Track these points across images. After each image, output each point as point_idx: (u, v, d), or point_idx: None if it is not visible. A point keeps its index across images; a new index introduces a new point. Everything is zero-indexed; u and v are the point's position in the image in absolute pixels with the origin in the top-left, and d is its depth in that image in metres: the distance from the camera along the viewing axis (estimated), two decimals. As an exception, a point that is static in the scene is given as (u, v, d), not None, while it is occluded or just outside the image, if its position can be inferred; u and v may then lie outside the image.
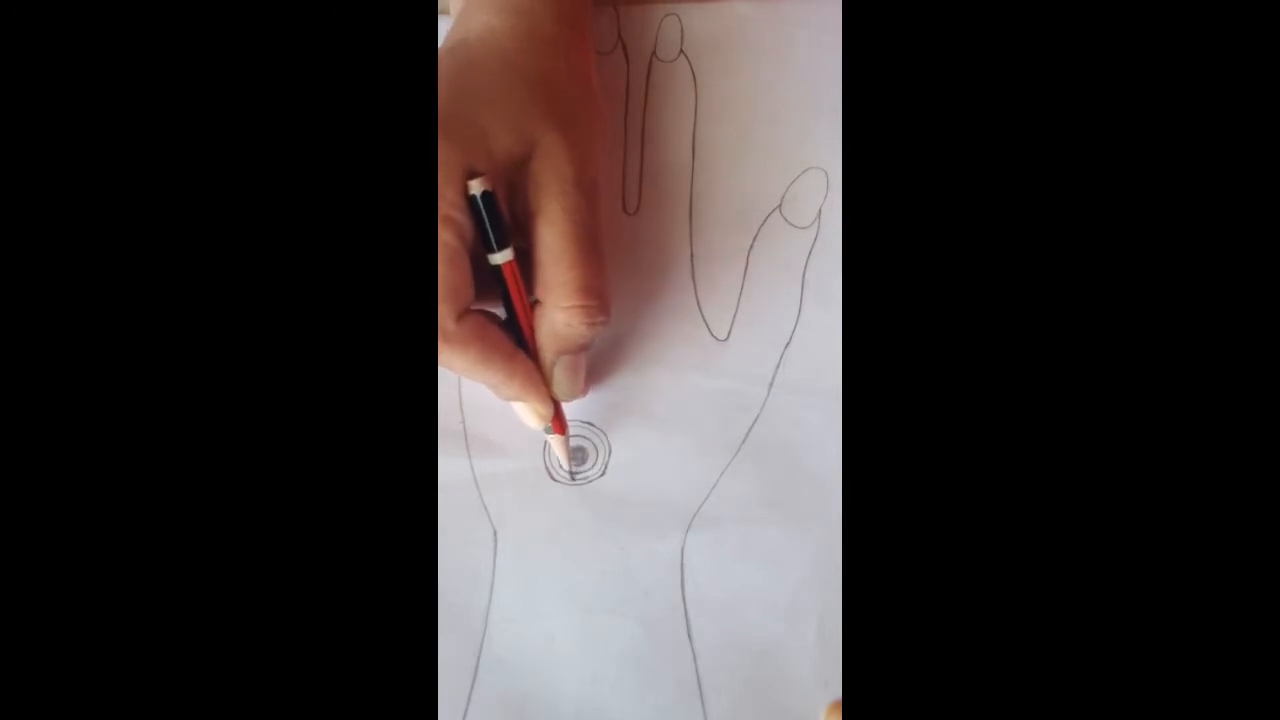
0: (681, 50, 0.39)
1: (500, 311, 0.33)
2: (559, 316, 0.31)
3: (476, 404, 0.36)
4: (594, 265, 0.31)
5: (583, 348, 0.33)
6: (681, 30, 0.39)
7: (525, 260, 0.32)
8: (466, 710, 0.33)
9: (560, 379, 0.33)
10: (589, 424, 0.36)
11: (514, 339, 0.32)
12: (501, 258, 0.31)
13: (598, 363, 0.36)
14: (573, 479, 0.36)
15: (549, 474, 0.36)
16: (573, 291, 0.31)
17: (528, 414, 0.34)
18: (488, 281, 0.31)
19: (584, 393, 0.35)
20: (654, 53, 0.39)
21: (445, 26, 0.35)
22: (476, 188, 0.29)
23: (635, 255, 0.37)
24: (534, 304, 0.32)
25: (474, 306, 0.31)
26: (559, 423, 0.34)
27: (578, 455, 0.36)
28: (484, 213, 0.30)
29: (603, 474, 0.36)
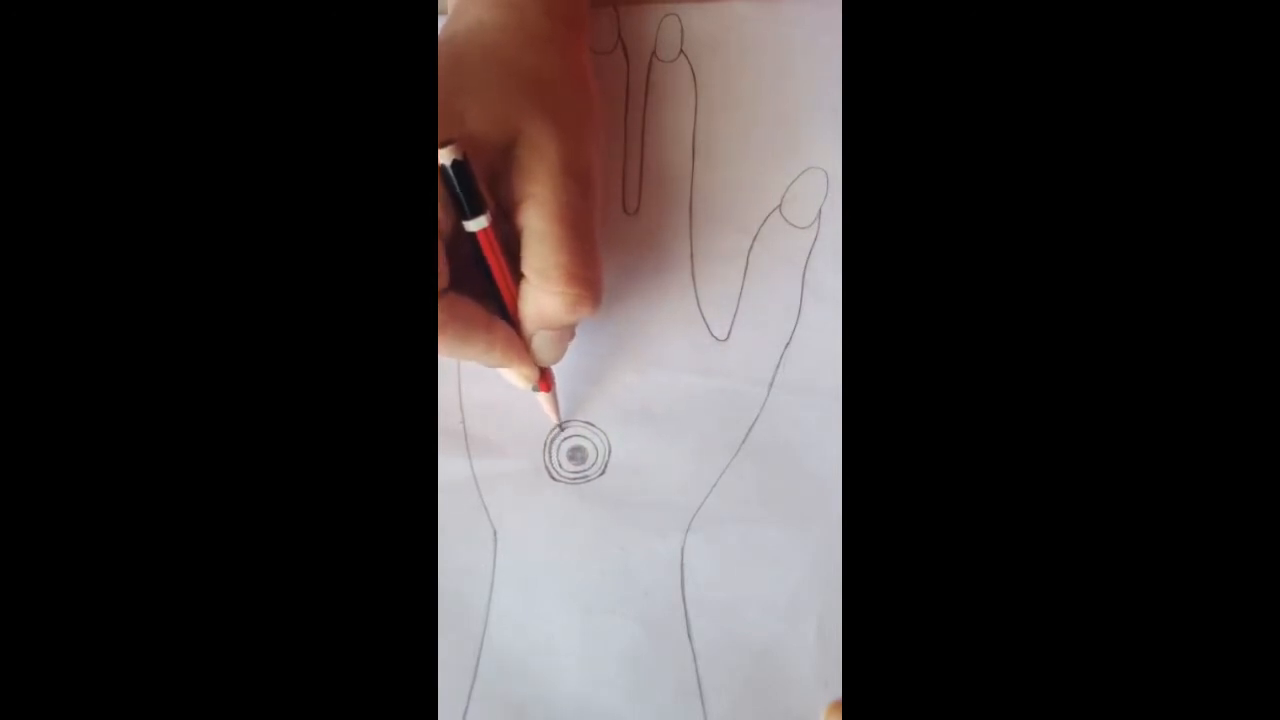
0: (681, 50, 0.39)
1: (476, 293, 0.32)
2: (543, 299, 0.31)
3: (476, 403, 0.36)
4: (582, 252, 0.31)
5: (565, 328, 0.33)
6: (681, 30, 0.39)
7: (511, 252, 0.32)
8: (466, 710, 0.33)
9: (541, 348, 0.33)
10: (589, 424, 0.36)
11: (493, 307, 0.32)
12: (477, 225, 0.30)
13: (598, 362, 0.36)
14: (561, 429, 0.36)
15: (549, 474, 0.36)
16: (559, 276, 0.30)
17: (514, 377, 0.34)
18: (468, 262, 0.31)
19: (571, 336, 0.35)
20: (654, 53, 0.39)
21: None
22: (446, 157, 0.29)
23: (635, 255, 0.37)
24: (519, 278, 0.32)
25: (456, 288, 0.31)
26: (545, 382, 0.34)
27: (578, 455, 0.36)
28: (455, 182, 0.29)
29: (602, 474, 0.36)
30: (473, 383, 0.36)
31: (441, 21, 0.37)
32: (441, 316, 0.30)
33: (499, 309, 0.32)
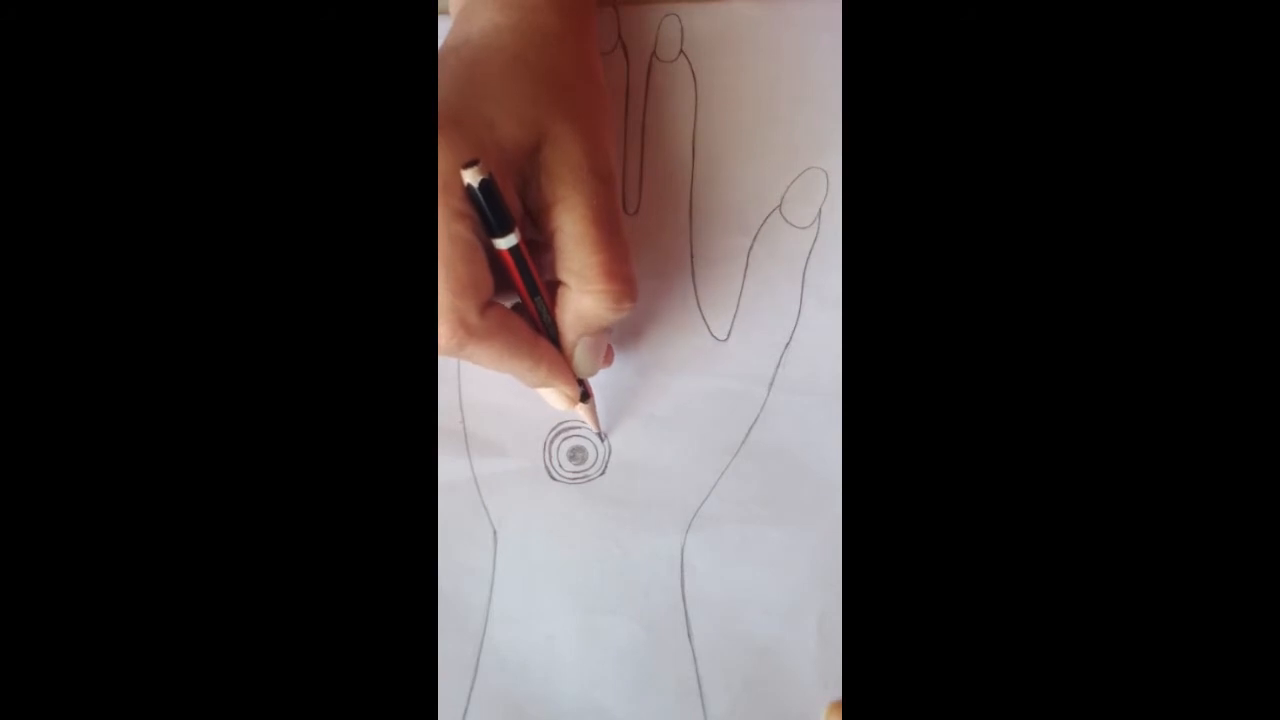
0: (681, 50, 0.39)
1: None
2: (585, 300, 0.31)
3: (476, 404, 0.36)
4: (618, 249, 0.31)
5: (606, 330, 0.33)
6: (681, 30, 0.39)
7: (537, 252, 0.32)
8: (466, 710, 0.33)
9: (582, 358, 0.33)
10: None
11: (529, 324, 0.32)
12: (506, 243, 0.30)
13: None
14: (602, 439, 0.36)
15: (549, 474, 0.36)
16: (599, 275, 0.31)
17: (555, 397, 0.34)
18: (500, 272, 0.31)
19: (608, 363, 0.35)
20: (654, 53, 0.39)
21: (445, 27, 0.35)
22: (472, 176, 0.29)
23: (635, 255, 0.37)
24: (552, 284, 0.32)
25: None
26: (585, 391, 0.35)
27: (578, 455, 0.36)
28: (483, 200, 0.29)
29: (603, 474, 0.36)
30: (473, 383, 0.36)
31: (442, 21, 0.37)
32: (490, 328, 0.30)
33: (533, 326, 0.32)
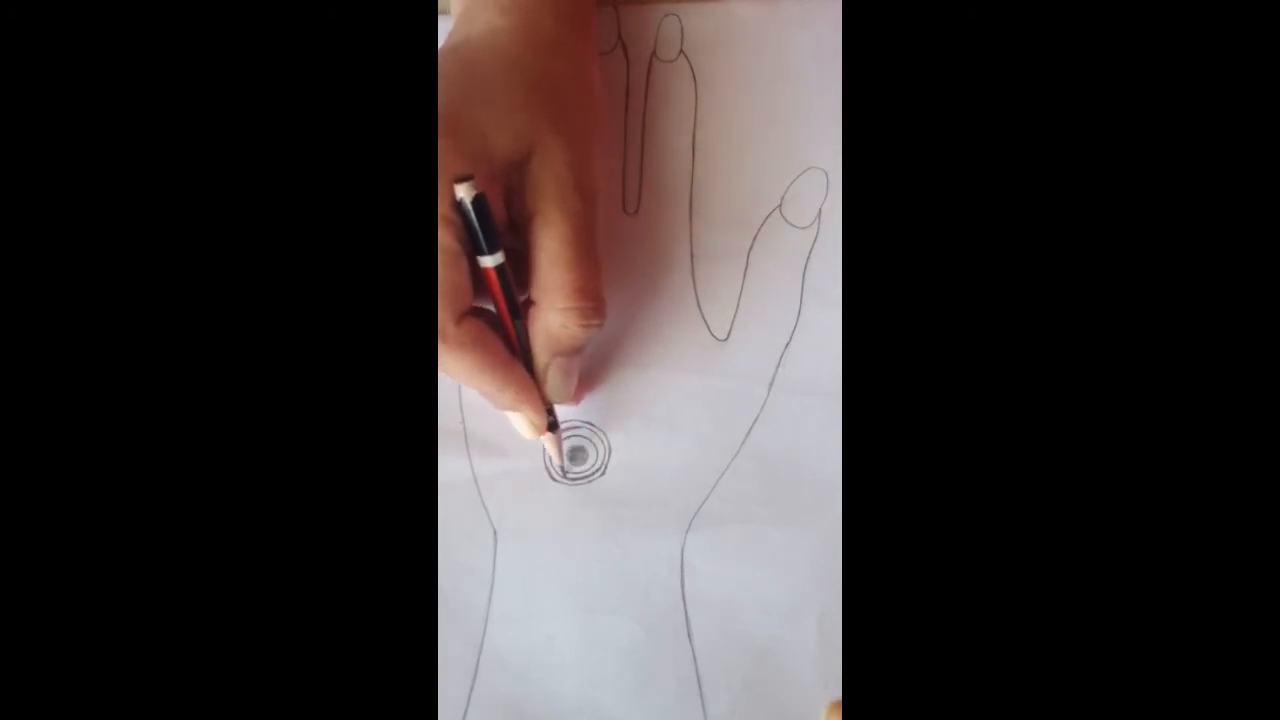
0: (681, 50, 0.39)
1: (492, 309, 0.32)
2: (554, 318, 0.31)
3: (476, 404, 0.36)
4: (590, 268, 0.31)
5: (577, 350, 0.33)
6: (681, 30, 0.39)
7: (518, 261, 0.32)
8: (466, 710, 0.33)
9: (553, 381, 0.33)
10: (589, 424, 0.36)
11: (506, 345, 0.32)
12: (492, 261, 0.30)
13: (598, 362, 0.36)
14: (565, 476, 0.36)
15: (549, 474, 0.36)
16: (569, 293, 0.31)
17: (522, 424, 0.34)
18: (480, 284, 0.31)
19: (576, 401, 0.35)
20: (654, 53, 0.39)
21: (445, 26, 0.35)
22: (465, 192, 0.29)
23: (635, 255, 0.37)
24: (525, 302, 0.32)
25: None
26: (551, 422, 0.34)
27: (578, 455, 0.36)
28: (474, 217, 0.29)
29: (603, 474, 0.36)
30: (473, 383, 0.36)
31: (442, 21, 0.37)
32: (465, 340, 0.30)
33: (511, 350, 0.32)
